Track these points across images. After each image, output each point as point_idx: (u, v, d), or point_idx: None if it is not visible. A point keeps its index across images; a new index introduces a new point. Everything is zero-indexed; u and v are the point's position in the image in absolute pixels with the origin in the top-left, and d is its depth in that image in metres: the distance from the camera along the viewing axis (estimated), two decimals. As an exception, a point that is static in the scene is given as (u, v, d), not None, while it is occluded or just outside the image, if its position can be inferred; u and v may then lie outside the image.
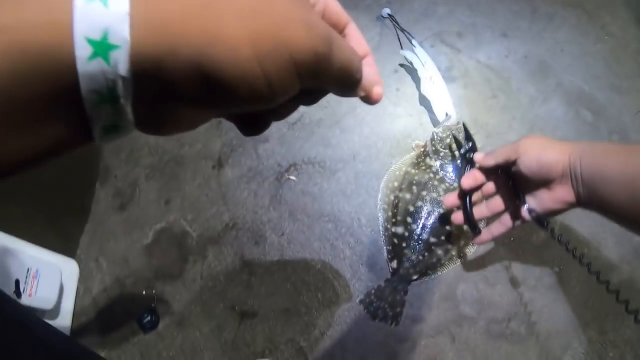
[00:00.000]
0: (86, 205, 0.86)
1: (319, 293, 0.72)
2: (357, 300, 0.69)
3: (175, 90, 0.18)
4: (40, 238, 0.76)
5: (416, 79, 0.79)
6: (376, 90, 0.26)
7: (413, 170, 0.71)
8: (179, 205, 0.80)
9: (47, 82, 0.16)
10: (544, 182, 0.53)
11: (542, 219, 0.54)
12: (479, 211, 0.62)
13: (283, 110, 0.24)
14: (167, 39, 0.17)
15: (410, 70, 0.80)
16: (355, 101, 0.81)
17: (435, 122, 0.76)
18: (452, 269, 0.70)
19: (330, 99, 0.82)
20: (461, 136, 0.67)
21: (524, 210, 0.55)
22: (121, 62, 0.16)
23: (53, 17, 0.16)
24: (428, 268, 0.68)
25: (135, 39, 0.16)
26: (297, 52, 0.19)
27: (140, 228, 0.81)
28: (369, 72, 0.25)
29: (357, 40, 0.27)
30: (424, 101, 0.78)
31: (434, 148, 0.71)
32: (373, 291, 0.68)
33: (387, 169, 0.73)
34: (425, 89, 0.74)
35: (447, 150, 0.70)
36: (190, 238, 0.78)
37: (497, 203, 0.61)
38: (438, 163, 0.70)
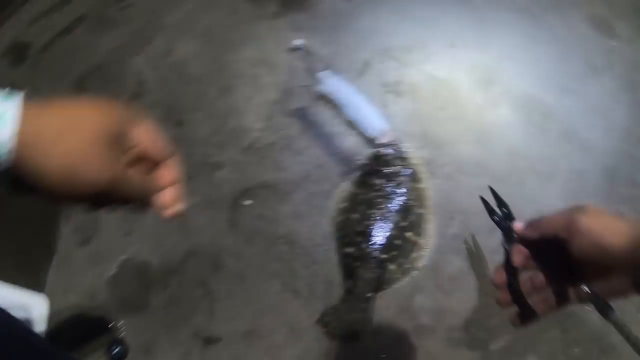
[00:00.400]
0: (52, 240, 0.86)
1: (279, 314, 0.73)
2: (315, 321, 0.70)
3: (27, 179, 0.31)
4: (9, 275, 0.76)
5: (338, 106, 0.78)
6: (169, 212, 0.37)
7: (358, 190, 0.72)
8: (140, 236, 0.80)
9: None
10: (598, 270, 0.43)
11: (605, 307, 0.44)
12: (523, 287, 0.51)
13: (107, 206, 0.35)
14: (29, 154, 0.30)
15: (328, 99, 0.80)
16: (306, 123, 0.83)
17: (369, 142, 0.76)
18: (407, 281, 0.71)
19: (283, 122, 0.84)
20: (394, 150, 0.68)
21: (586, 293, 0.44)
22: (4, 161, 0.29)
23: None
24: (382, 283, 0.69)
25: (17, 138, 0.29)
26: (92, 181, 0.32)
27: (104, 261, 0.82)
28: (166, 198, 0.37)
29: (170, 171, 0.38)
30: (352, 125, 0.78)
31: (373, 167, 0.72)
32: (330, 311, 0.69)
33: (337, 188, 0.74)
34: (349, 114, 0.75)
35: (387, 167, 0.72)
36: (151, 268, 0.79)
37: (542, 280, 0.50)
38: (380, 181, 0.72)
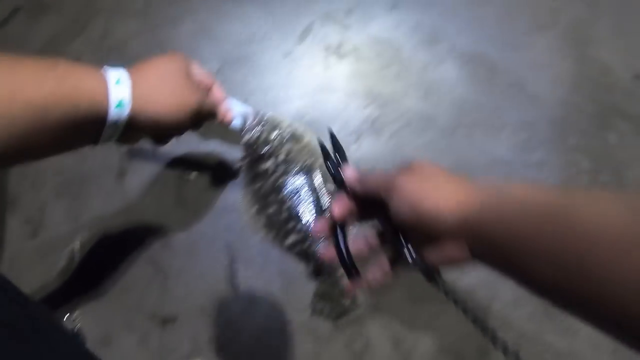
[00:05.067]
0: (0, 238, 0.83)
1: (234, 286, 0.71)
2: (309, 314, 0.69)
3: (140, 125, 0.45)
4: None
5: None
6: (227, 117, 0.60)
7: (256, 185, 0.68)
8: (87, 222, 0.78)
9: (96, 115, 0.42)
10: (424, 237, 0.38)
11: (429, 272, 0.40)
12: (356, 247, 0.46)
13: (180, 133, 0.53)
14: (142, 107, 0.44)
15: None
16: (248, 92, 0.81)
17: (241, 131, 0.68)
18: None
19: (224, 92, 0.82)
20: (267, 127, 0.65)
21: (407, 257, 0.40)
22: (125, 111, 0.43)
23: (104, 89, 0.42)
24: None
25: (132, 103, 0.43)
26: (192, 107, 0.48)
27: (53, 252, 0.79)
28: (223, 109, 0.58)
29: (218, 93, 0.57)
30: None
31: (253, 155, 0.67)
32: (317, 299, 0.68)
33: (241, 200, 0.70)
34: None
35: (267, 147, 0.66)
36: (102, 252, 0.76)
37: (374, 239, 0.46)
38: (269, 163, 0.66)
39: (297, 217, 0.66)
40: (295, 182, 0.66)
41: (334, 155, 0.49)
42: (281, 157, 0.66)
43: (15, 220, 0.82)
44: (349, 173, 0.45)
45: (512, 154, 0.82)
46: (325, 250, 0.49)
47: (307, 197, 0.66)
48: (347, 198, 0.45)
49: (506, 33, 0.96)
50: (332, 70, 0.81)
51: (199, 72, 0.53)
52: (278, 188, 0.66)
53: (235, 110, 0.63)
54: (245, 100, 0.79)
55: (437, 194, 0.36)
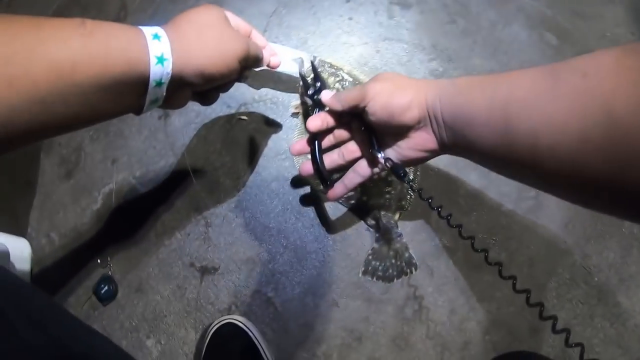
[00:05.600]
0: (32, 179, 0.79)
1: (281, 238, 0.67)
2: (360, 273, 0.65)
3: (186, 80, 0.41)
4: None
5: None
6: (273, 61, 0.55)
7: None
8: (127, 163, 0.74)
9: (134, 74, 0.36)
10: (398, 130, 0.45)
11: (397, 168, 0.47)
12: (331, 159, 0.53)
13: (227, 87, 0.50)
14: (185, 60, 0.39)
15: None
16: (305, 34, 0.76)
17: (300, 79, 0.61)
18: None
19: (279, 33, 0.77)
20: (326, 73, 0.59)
21: (380, 158, 0.48)
22: (167, 66, 0.38)
23: (140, 45, 0.37)
24: (400, 205, 0.64)
25: (173, 57, 0.38)
26: (237, 53, 0.44)
27: (88, 193, 0.75)
28: (267, 54, 0.53)
29: (258, 38, 0.53)
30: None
31: (313, 100, 0.58)
32: (370, 256, 0.64)
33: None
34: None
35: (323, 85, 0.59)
36: (140, 196, 0.72)
37: (352, 149, 0.52)
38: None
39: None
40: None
41: (313, 84, 0.56)
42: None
43: (50, 161, 0.78)
44: (326, 95, 0.50)
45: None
46: (303, 165, 0.54)
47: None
48: (323, 116, 0.51)
49: (576, 1, 0.90)
50: (397, 19, 0.75)
51: (236, 20, 0.49)
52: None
53: (285, 55, 0.58)
54: (302, 45, 0.74)
55: (403, 92, 0.44)
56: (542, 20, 0.83)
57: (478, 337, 0.63)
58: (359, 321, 0.64)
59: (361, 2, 0.76)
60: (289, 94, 0.72)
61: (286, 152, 0.69)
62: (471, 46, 0.75)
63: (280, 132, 0.71)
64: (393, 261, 0.64)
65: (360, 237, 0.66)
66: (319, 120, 0.50)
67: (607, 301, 0.66)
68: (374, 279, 0.64)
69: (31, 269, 0.73)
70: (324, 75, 0.65)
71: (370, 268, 0.64)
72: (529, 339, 0.63)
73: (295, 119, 0.70)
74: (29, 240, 0.75)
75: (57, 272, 0.73)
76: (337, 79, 0.66)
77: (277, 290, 0.65)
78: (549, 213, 0.69)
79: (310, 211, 0.67)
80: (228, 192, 0.69)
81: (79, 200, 0.75)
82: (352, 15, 0.75)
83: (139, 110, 0.41)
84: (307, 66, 0.61)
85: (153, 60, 0.37)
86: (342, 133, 0.53)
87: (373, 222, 0.65)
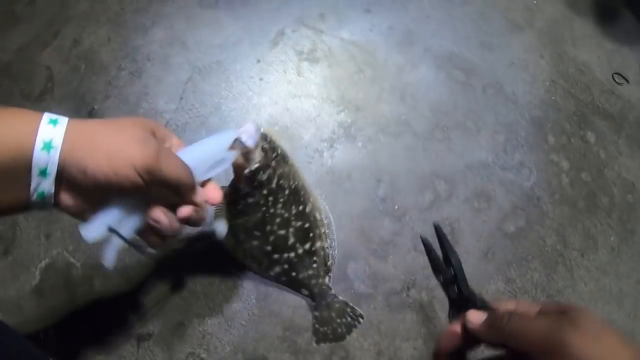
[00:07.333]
0: (-29, 256, 0.81)
1: (208, 301, 0.70)
2: (314, 343, 0.67)
3: (70, 175, 0.37)
4: None
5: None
6: (211, 195, 0.49)
7: (240, 220, 0.60)
8: (60, 237, 0.76)
9: (21, 160, 0.35)
10: None
11: None
12: None
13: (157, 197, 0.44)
14: (71, 152, 0.36)
15: None
16: (218, 99, 0.80)
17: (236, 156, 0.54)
18: (339, 250, 0.69)
19: (195, 101, 0.81)
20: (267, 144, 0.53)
21: None
22: (54, 155, 0.35)
23: (32, 128, 0.35)
24: (327, 268, 0.67)
25: (62, 147, 0.36)
26: (133, 161, 0.38)
27: (26, 269, 0.77)
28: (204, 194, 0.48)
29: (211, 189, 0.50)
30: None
31: (247, 186, 0.56)
32: (316, 324, 0.67)
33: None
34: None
35: (262, 174, 0.55)
36: (75, 269, 0.74)
37: None
38: (258, 195, 0.57)
39: (281, 249, 0.63)
40: (284, 211, 0.59)
41: (444, 263, 0.46)
42: (273, 184, 0.57)
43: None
44: (473, 318, 0.39)
45: (492, 156, 0.82)
46: None
47: (295, 225, 0.62)
48: (456, 329, 0.40)
49: (481, 34, 0.96)
50: (305, 75, 0.79)
51: (162, 133, 0.45)
52: (265, 221, 0.59)
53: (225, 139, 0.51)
54: (215, 111, 0.77)
55: None
56: (449, 58, 0.88)
57: (405, 374, 0.67)
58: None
59: (270, 61, 0.80)
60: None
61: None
62: (379, 93, 0.80)
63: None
64: (339, 321, 0.66)
65: (282, 293, 0.69)
66: (453, 344, 0.41)
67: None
68: (328, 343, 0.67)
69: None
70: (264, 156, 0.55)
71: (321, 336, 0.66)
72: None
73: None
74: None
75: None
76: (273, 154, 0.57)
77: (209, 351, 0.68)
78: (466, 244, 0.73)
79: (234, 273, 0.70)
80: (156, 259, 0.72)
81: (17, 276, 0.77)
82: (263, 75, 0.79)
83: (25, 205, 0.38)
84: (250, 142, 0.51)
85: (39, 145, 0.35)
86: None
87: (307, 292, 0.68)
